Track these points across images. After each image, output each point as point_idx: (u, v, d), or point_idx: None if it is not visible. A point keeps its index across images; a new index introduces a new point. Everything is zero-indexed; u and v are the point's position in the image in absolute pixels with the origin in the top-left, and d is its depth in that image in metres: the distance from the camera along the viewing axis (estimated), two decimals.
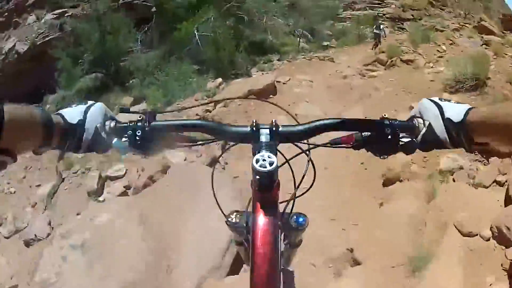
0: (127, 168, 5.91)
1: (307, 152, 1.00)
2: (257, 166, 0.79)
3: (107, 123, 0.91)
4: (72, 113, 0.86)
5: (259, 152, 0.83)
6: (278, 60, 16.26)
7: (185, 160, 5.72)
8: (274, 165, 0.80)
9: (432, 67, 8.39)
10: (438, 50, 10.09)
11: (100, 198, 5.39)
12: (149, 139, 0.90)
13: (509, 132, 0.68)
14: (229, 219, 1.07)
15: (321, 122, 0.92)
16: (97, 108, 0.90)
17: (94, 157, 6.92)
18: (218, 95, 8.84)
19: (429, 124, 0.83)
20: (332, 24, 22.35)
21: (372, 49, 14.29)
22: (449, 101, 0.84)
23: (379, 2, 23.93)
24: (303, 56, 15.13)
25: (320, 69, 10.33)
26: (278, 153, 0.87)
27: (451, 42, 11.53)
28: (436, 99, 0.86)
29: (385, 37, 15.22)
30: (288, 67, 12.01)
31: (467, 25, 17.07)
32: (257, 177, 0.81)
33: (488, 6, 31.57)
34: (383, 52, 9.60)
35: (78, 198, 5.69)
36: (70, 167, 6.76)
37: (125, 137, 0.89)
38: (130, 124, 0.90)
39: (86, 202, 5.33)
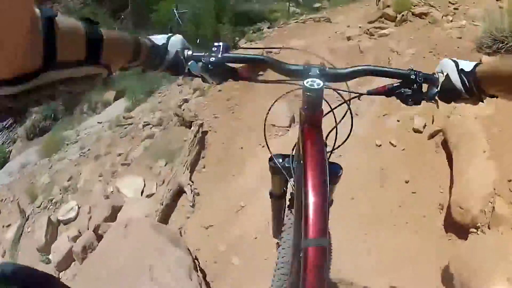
0: (79, 205, 4.55)
1: (349, 102, 1.17)
2: (307, 85, 1.02)
3: (185, 51, 1.10)
4: (158, 38, 1.07)
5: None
6: (269, 28, 14.87)
7: (142, 192, 4.34)
8: (321, 85, 1.02)
9: (452, 20, 6.87)
10: (450, 2, 8.50)
11: (50, 257, 4.11)
12: (219, 67, 1.07)
13: None
14: (274, 159, 1.24)
15: (360, 67, 1.12)
16: (177, 38, 1.11)
17: (58, 181, 5.67)
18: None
19: (447, 74, 0.98)
20: None
21: (376, 4, 13.26)
22: (464, 60, 0.99)
23: None
24: (295, 20, 13.51)
25: (316, 32, 8.71)
26: (323, 101, 1.07)
27: None
28: (454, 58, 1.02)
29: None
30: (279, 34, 10.51)
31: None
32: (307, 94, 1.03)
33: None
34: (388, 6, 7.92)
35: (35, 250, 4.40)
36: (34, 200, 5.48)
37: (200, 63, 1.08)
38: (205, 53, 1.08)
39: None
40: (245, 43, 11.91)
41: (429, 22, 6.70)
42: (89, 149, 6.80)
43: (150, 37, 1.03)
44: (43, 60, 0.55)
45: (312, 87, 1.02)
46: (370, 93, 1.13)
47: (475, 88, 0.92)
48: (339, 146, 1.22)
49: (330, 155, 1.16)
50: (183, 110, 5.42)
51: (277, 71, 1.15)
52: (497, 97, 0.90)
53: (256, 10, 16.06)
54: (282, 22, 13.91)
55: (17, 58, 0.51)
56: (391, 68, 1.11)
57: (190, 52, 1.10)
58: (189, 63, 1.08)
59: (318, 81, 1.03)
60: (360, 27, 7.84)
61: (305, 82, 1.04)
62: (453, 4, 8.15)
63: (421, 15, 7.03)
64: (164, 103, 7.08)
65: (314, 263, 0.85)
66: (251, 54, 1.16)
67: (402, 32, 6.43)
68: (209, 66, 1.06)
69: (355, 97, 1.17)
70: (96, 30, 0.69)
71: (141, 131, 6.00)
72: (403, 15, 6.97)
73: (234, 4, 15.57)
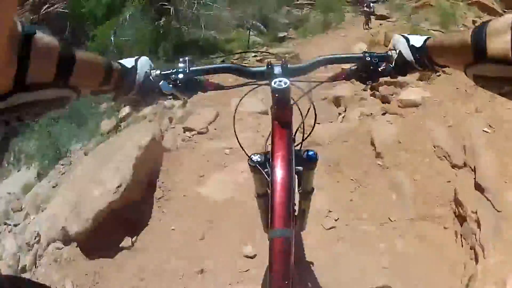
0: None
1: (310, 92, 1.16)
2: (275, 85, 1.02)
3: (153, 71, 1.05)
4: (126, 61, 1.01)
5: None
6: (222, 62, 11.73)
7: None
8: (287, 84, 1.03)
9: None
10: None
11: None
12: (189, 82, 1.06)
13: (456, 52, 0.76)
14: (252, 158, 1.17)
15: (319, 59, 1.12)
16: (144, 60, 1.05)
17: None
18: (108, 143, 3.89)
19: (399, 51, 0.99)
20: (288, 12, 17.68)
21: (364, 27, 13.53)
22: (415, 35, 1.00)
23: None
24: (253, 55, 10.49)
25: None
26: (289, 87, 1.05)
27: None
28: (405, 34, 1.02)
29: (374, 14, 14.39)
30: (226, 76, 7.31)
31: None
32: (276, 94, 1.03)
33: None
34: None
35: None
36: None
37: (169, 81, 1.05)
38: (173, 70, 1.07)
39: None
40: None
41: None
42: None
43: (120, 60, 1.00)
44: (14, 82, 0.52)
45: (280, 86, 1.03)
46: (332, 79, 1.16)
47: (426, 61, 0.94)
48: (307, 137, 1.19)
49: (301, 145, 1.21)
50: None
51: (243, 75, 1.15)
52: (447, 67, 0.92)
53: (210, 38, 12.88)
54: (237, 57, 10.82)
55: None
56: (347, 53, 1.14)
57: (158, 72, 1.06)
58: (160, 83, 1.05)
59: (284, 79, 1.04)
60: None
61: (272, 82, 1.04)
62: None
63: None
64: (58, 190, 3.94)
65: (279, 252, 0.87)
66: (216, 64, 1.16)
67: (448, 100, 3.25)
68: (178, 83, 1.05)
69: (317, 85, 1.17)
70: (70, 50, 0.65)
71: None
72: None
73: (182, 32, 12.47)
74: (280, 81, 1.02)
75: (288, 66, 1.09)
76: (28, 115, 0.59)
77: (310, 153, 1.19)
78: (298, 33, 14.14)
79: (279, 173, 0.96)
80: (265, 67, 1.10)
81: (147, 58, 1.06)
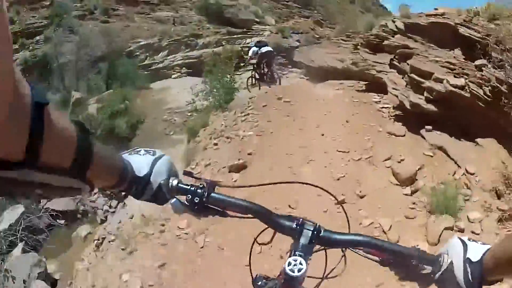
0: None
1: (343, 250, 1.01)
2: (287, 269, 0.85)
3: (170, 180, 0.93)
4: (140, 164, 0.88)
5: (294, 254, 0.89)
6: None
7: None
8: (302, 272, 0.85)
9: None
10: None
11: None
12: (205, 206, 0.95)
13: None
14: (256, 283, 1.11)
15: (363, 238, 0.95)
16: (163, 162, 0.92)
17: None
18: None
19: (451, 262, 0.84)
20: None
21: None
22: (476, 241, 0.85)
23: None
24: None
25: None
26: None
27: None
28: (465, 238, 0.87)
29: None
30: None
31: None
32: (285, 277, 0.87)
33: None
34: None
35: None
36: None
37: (183, 202, 0.95)
38: (191, 189, 0.95)
39: None
40: None
41: None
42: None
43: (132, 161, 0.88)
44: (25, 155, 0.44)
45: (292, 273, 0.85)
46: (366, 252, 0.95)
47: (477, 282, 0.78)
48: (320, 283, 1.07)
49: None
50: None
51: (265, 222, 0.98)
52: (500, 280, 0.78)
53: None
54: None
55: None
56: (396, 244, 0.95)
57: (175, 182, 0.94)
58: (172, 201, 0.95)
59: (302, 265, 0.86)
60: None
61: (286, 263, 0.87)
62: None
63: None
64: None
65: None
66: (239, 199, 0.98)
67: None
68: (194, 205, 0.94)
69: (345, 249, 0.99)
70: (89, 142, 0.59)
71: None
72: None
73: None
74: (295, 263, 0.86)
75: (322, 232, 0.93)
76: (34, 195, 0.53)
77: None
78: None
79: None
80: (294, 224, 0.94)
81: (168, 160, 0.94)
